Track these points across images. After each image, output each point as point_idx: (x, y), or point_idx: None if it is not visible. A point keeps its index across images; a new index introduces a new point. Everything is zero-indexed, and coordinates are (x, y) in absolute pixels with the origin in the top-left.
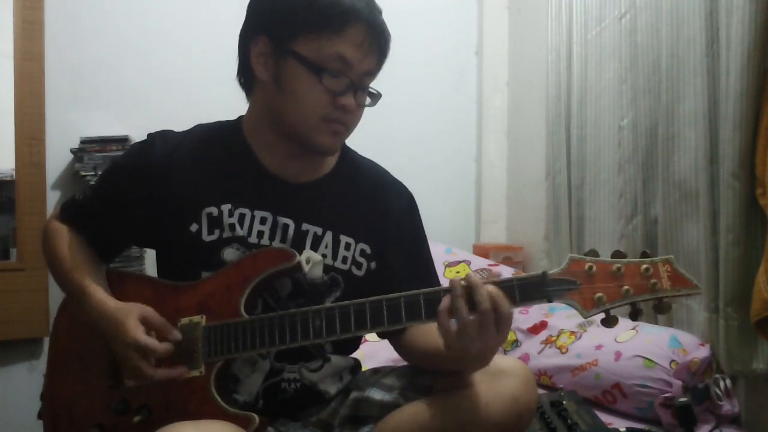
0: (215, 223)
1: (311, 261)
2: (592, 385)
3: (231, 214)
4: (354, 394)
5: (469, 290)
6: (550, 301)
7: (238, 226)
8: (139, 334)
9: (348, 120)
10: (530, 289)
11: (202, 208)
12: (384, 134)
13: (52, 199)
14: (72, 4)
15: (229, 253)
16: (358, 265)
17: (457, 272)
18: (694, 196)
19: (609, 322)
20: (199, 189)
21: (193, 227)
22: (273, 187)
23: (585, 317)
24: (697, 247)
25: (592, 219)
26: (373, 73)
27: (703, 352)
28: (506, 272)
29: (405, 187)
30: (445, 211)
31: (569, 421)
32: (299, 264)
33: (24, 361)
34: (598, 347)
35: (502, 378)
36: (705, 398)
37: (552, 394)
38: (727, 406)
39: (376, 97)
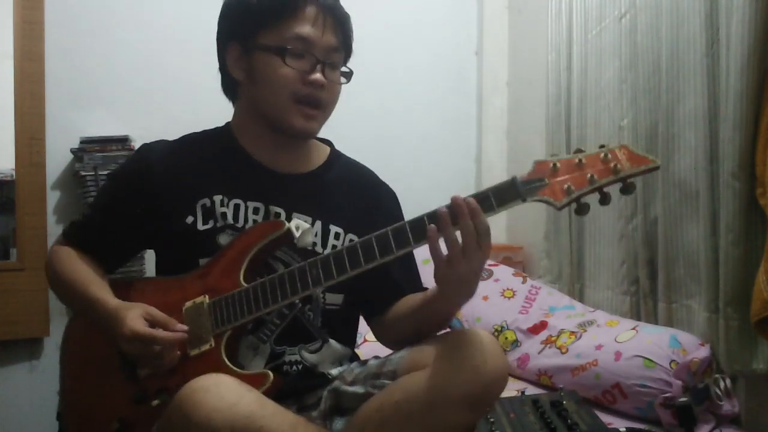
0: (209, 213)
1: (300, 228)
2: (592, 385)
3: (223, 204)
4: (336, 384)
5: (452, 210)
6: (524, 201)
7: (231, 215)
8: (138, 325)
9: (320, 97)
10: (504, 194)
11: (196, 201)
12: (384, 134)
13: (52, 199)
14: (72, 4)
15: (224, 238)
16: None
17: None
18: (694, 196)
19: (581, 210)
20: (193, 183)
21: (189, 219)
22: (265, 178)
23: (558, 208)
24: (697, 247)
25: (592, 219)
26: (338, 49)
27: (703, 352)
28: (506, 272)
29: (389, 186)
30: None
31: (569, 421)
32: (289, 231)
33: (24, 361)
34: (598, 347)
35: (462, 350)
36: (705, 398)
37: (552, 394)
38: (727, 406)
39: (348, 74)
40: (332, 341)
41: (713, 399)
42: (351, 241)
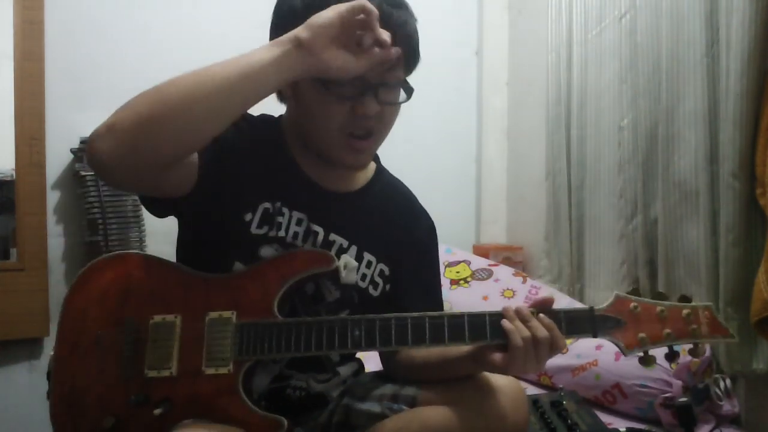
0: (267, 218)
1: (348, 267)
2: (592, 385)
3: (281, 213)
4: (345, 401)
5: (522, 317)
6: (595, 337)
7: (282, 226)
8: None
9: (371, 127)
10: (577, 323)
11: (261, 201)
12: None
13: (52, 199)
14: (72, 4)
15: (266, 251)
16: (375, 285)
17: (457, 272)
18: (694, 196)
19: (647, 361)
20: (262, 180)
21: (248, 217)
22: (309, 191)
23: (626, 355)
24: (697, 247)
25: (592, 219)
26: (395, 67)
27: None
28: (506, 272)
29: (429, 216)
30: (445, 211)
31: (569, 421)
32: (337, 269)
33: (24, 361)
34: (598, 347)
35: (490, 396)
36: (705, 398)
37: (552, 394)
38: (727, 406)
39: (409, 90)
40: (341, 369)
41: (713, 399)
42: (381, 272)
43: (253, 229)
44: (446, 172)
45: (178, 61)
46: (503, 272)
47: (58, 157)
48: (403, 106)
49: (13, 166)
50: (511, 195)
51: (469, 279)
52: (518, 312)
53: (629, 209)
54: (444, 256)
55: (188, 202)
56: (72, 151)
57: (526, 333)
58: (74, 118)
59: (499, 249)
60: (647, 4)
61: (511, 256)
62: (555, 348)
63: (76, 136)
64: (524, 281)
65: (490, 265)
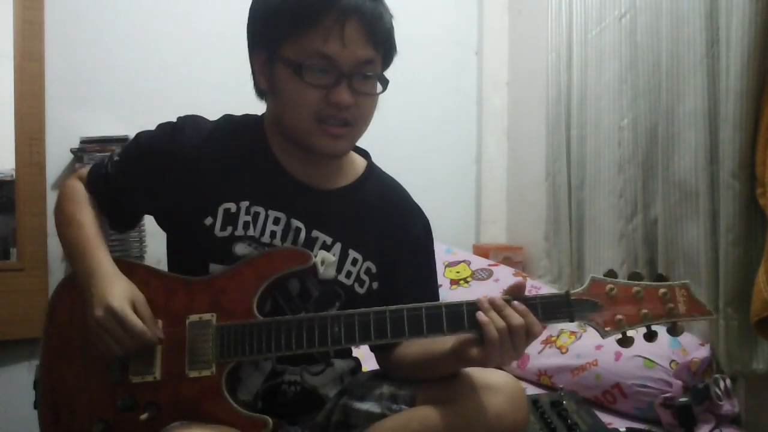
0: (230, 219)
1: (325, 262)
2: (592, 385)
3: (248, 212)
4: (344, 400)
5: (496, 307)
6: (572, 321)
7: (251, 225)
8: (123, 303)
9: (346, 117)
10: (553, 308)
11: (220, 204)
12: (384, 134)
13: (52, 199)
14: (72, 4)
15: (241, 248)
16: (361, 283)
17: (457, 272)
18: (694, 196)
19: (625, 342)
20: (220, 183)
21: (208, 221)
22: (292, 190)
23: (604, 338)
24: (697, 247)
25: (592, 219)
26: (370, 60)
27: (703, 352)
28: (506, 272)
29: (423, 212)
30: (445, 211)
31: (569, 421)
32: (314, 266)
33: (24, 361)
34: (598, 347)
35: (488, 394)
36: (705, 398)
37: (552, 394)
38: (727, 406)
39: (384, 82)
40: (336, 361)
41: (713, 399)
42: (368, 270)
43: (218, 232)
44: (446, 172)
45: (176, 62)
46: (503, 272)
47: (58, 157)
48: (403, 105)
49: (13, 166)
50: (511, 195)
51: (469, 279)
52: (492, 302)
53: (629, 209)
54: (444, 256)
55: (151, 211)
56: (72, 151)
57: (501, 323)
58: (74, 118)
59: (499, 249)
60: (647, 4)
61: (511, 256)
62: (531, 334)
63: (76, 136)
64: (524, 281)
65: (490, 265)
